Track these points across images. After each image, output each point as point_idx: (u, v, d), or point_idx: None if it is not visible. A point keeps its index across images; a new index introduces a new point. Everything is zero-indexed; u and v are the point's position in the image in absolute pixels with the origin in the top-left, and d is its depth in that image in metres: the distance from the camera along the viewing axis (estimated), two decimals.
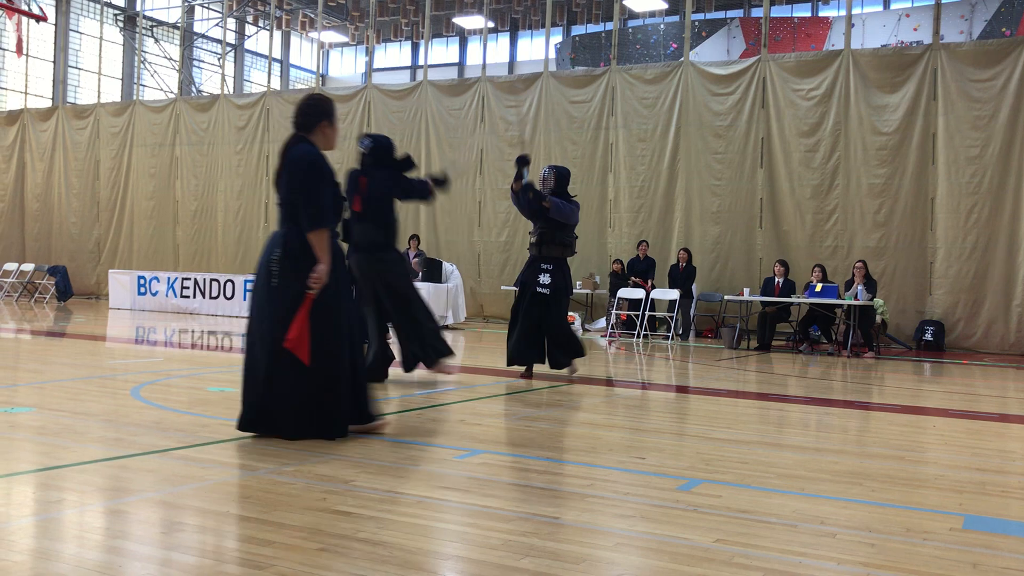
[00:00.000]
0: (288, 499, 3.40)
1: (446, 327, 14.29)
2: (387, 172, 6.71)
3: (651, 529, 3.13)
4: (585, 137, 15.61)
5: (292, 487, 3.56)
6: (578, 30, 32.30)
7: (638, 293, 13.53)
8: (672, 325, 13.33)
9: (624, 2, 23.87)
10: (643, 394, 7.38)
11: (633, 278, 13.96)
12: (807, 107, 13.80)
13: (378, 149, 6.74)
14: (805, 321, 12.12)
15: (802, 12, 30.03)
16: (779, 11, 29.07)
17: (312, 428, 4.45)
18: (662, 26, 28.51)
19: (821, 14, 29.58)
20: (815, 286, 11.74)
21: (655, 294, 13.50)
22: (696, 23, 26.57)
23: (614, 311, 13.77)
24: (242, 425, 4.51)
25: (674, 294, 13.37)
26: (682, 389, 7.83)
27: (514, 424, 5.28)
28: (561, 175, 7.90)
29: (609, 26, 28.98)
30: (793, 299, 12.01)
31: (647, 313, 13.36)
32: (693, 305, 13.87)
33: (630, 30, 28.28)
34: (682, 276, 13.75)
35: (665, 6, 26.25)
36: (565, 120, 15.79)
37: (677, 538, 3.02)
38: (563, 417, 5.72)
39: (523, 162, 7.65)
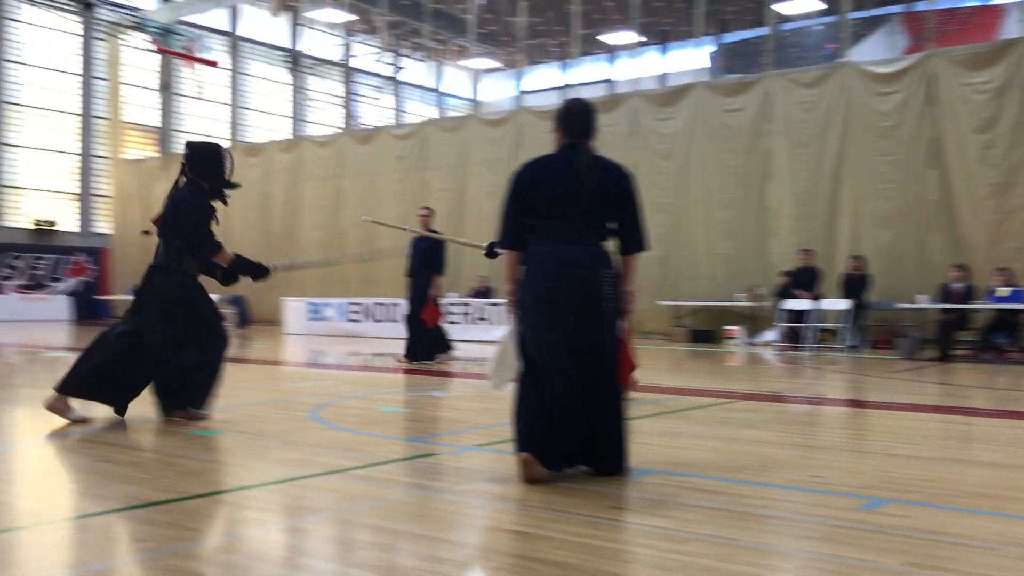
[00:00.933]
0: (463, 518, 3.46)
1: None
2: None
3: (836, 551, 2.99)
4: (741, 145, 15.27)
5: (467, 506, 3.62)
6: (729, 38, 31.67)
7: (805, 304, 13.06)
8: (843, 336, 12.78)
9: (775, 6, 23.25)
10: (815, 409, 7.10)
11: (794, 289, 13.51)
12: (981, 101, 13.01)
13: None
14: (989, 329, 11.35)
15: (971, 1, 28.33)
16: (945, 2, 27.55)
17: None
18: (818, 27, 27.57)
19: (992, 2, 27.82)
20: (996, 290, 10.99)
21: (824, 304, 12.99)
22: (854, 22, 25.54)
23: (781, 323, 13.34)
24: (561, 462, 4.02)
25: (845, 303, 12.81)
26: (857, 404, 7.49)
27: (682, 443, 5.19)
28: None
29: (761, 31, 28.29)
30: (978, 305, 11.27)
31: (816, 324, 12.86)
32: (866, 315, 13.24)
33: (784, 34, 27.50)
34: (855, 285, 13.14)
35: (821, 6, 25.39)
36: (720, 129, 15.50)
37: (865, 561, 2.87)
38: (732, 435, 5.58)
39: (492, 255, 7.94)
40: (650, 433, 5.51)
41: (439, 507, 3.60)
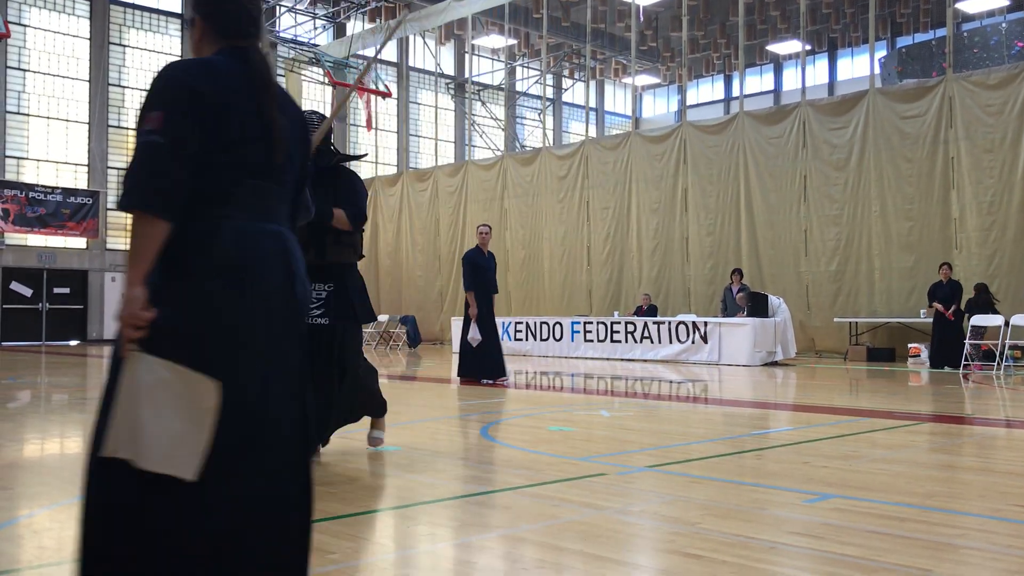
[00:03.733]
0: (637, 540, 3.42)
1: (774, 363, 13.81)
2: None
3: None
4: (921, 153, 14.50)
5: (640, 527, 3.58)
6: (904, 41, 30.17)
7: (995, 320, 12.21)
8: None
9: (958, 5, 21.98)
10: (1009, 432, 6.61)
11: (935, 303, 12.72)
12: None
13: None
14: None
15: None
16: None
17: None
18: (1003, 25, 25.84)
19: None
20: None
21: (1016, 320, 12.10)
22: None
23: (969, 341, 12.54)
24: None
25: None
26: None
27: (864, 466, 4.94)
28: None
29: (939, 33, 26.81)
30: None
31: (1007, 342, 12.00)
32: None
33: (965, 34, 25.94)
34: None
35: (1007, 2, 23.82)
36: (897, 137, 14.77)
37: None
38: (919, 459, 5.26)
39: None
40: (830, 456, 5.28)
41: (611, 528, 3.57)
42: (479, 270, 10.39)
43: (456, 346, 18.55)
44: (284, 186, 2.27)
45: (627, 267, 18.57)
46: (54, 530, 3.56)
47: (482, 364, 10.52)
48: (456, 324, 18.69)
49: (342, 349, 5.15)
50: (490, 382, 10.47)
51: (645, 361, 14.86)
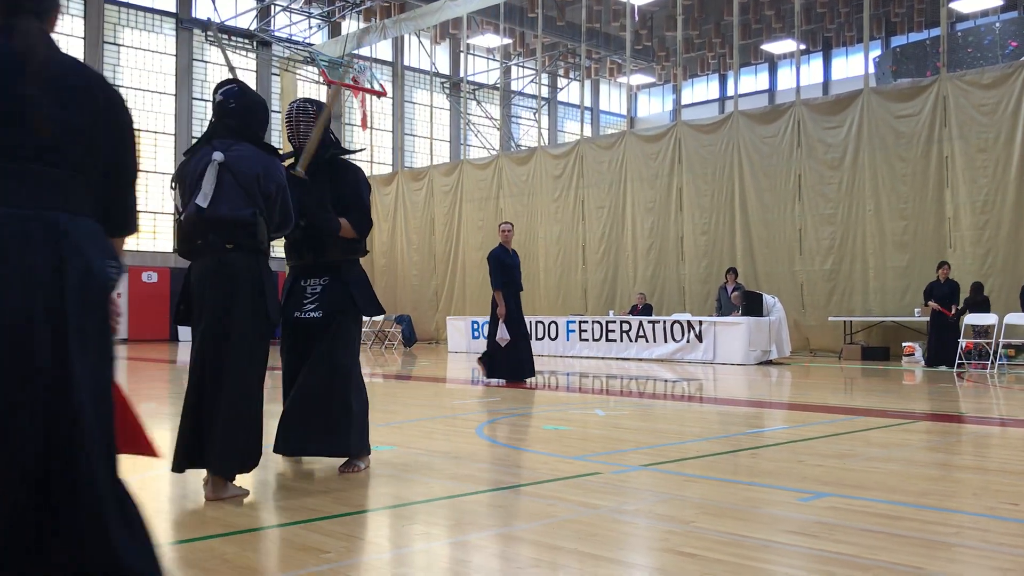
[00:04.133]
0: (632, 538, 3.42)
1: (769, 362, 13.84)
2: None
3: None
4: (915, 153, 14.53)
5: (635, 526, 3.58)
6: (898, 41, 30.23)
7: (988, 319, 12.24)
8: None
9: (951, 5, 22.03)
10: (1004, 431, 6.63)
11: (931, 302, 12.76)
12: None
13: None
14: None
15: None
16: None
17: None
18: (997, 25, 25.89)
19: None
20: None
21: (1009, 319, 12.14)
22: None
23: (975, 339, 12.59)
24: None
25: None
26: None
27: (858, 465, 4.95)
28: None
29: (934, 32, 26.85)
30: None
31: (1000, 340, 12.03)
32: None
33: (959, 33, 25.99)
34: None
35: (1000, 2, 23.88)
36: (891, 136, 14.80)
37: None
38: (913, 457, 5.27)
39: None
40: (825, 454, 5.29)
41: (607, 526, 3.57)
42: (506, 268, 10.18)
43: (452, 345, 18.63)
44: (33, 163, 2.00)
45: (622, 266, 18.57)
46: None
47: (511, 364, 10.30)
48: (452, 323, 18.71)
49: (333, 340, 4.74)
50: (519, 382, 10.25)
51: (640, 360, 14.87)
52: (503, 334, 10.11)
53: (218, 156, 4.05)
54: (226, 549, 3.27)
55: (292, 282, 4.93)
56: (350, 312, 4.86)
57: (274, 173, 4.16)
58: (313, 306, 4.78)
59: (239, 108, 4.21)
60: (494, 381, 10.42)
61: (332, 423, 4.66)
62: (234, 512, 3.87)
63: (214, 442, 4.01)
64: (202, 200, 4.03)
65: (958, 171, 14.11)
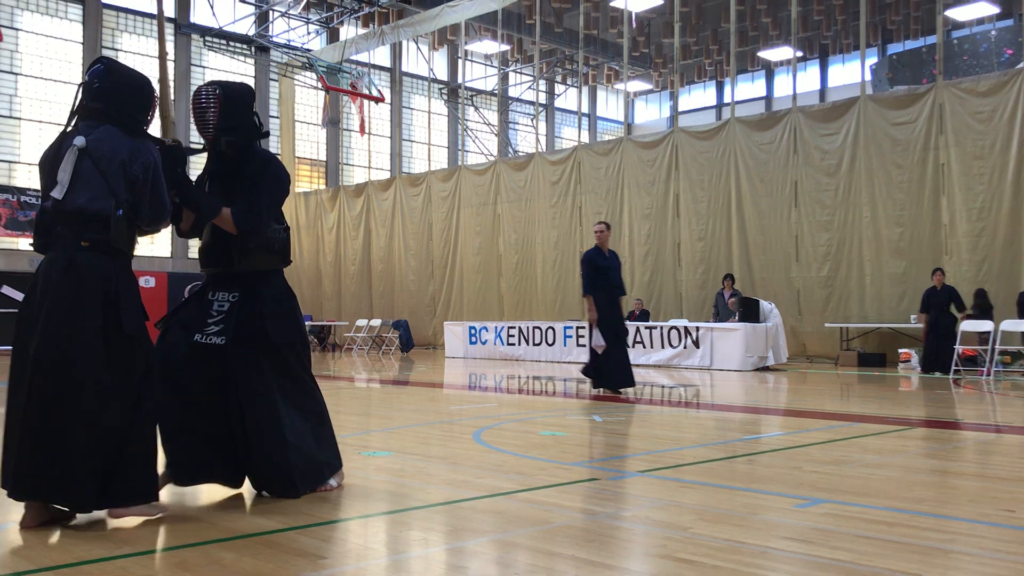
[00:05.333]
0: (629, 544, 3.43)
1: (766, 368, 13.85)
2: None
3: None
4: (911, 160, 14.58)
5: (632, 532, 3.59)
6: (894, 48, 30.34)
7: (985, 326, 12.27)
8: None
9: (947, 13, 22.12)
10: (999, 438, 6.64)
11: (917, 316, 12.79)
12: None
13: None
14: None
15: None
16: None
17: None
18: (993, 33, 26.00)
19: None
20: None
21: (1005, 326, 12.17)
22: None
23: (958, 346, 12.60)
24: None
25: None
26: None
27: (855, 471, 4.96)
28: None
29: (930, 40, 26.96)
30: None
31: (996, 347, 12.06)
32: None
33: (955, 41, 26.11)
34: None
35: (996, 10, 23.97)
36: (887, 143, 14.85)
37: None
38: (910, 464, 5.29)
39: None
40: (821, 461, 5.31)
41: (604, 532, 3.58)
42: (600, 271, 9.52)
43: (449, 351, 18.64)
44: None
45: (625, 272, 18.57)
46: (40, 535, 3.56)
47: (607, 372, 9.68)
48: (449, 329, 18.73)
49: (239, 386, 4.07)
50: (618, 392, 9.71)
51: (637, 366, 14.86)
52: (598, 340, 9.50)
53: (79, 141, 3.68)
54: (224, 555, 3.27)
55: (200, 292, 4.29)
56: (257, 341, 4.13)
57: (142, 154, 3.73)
58: (216, 329, 4.10)
59: (103, 88, 3.78)
60: (601, 391, 9.82)
61: (275, 463, 4.15)
62: (232, 517, 3.88)
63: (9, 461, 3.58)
64: (58, 192, 3.65)
65: (954, 178, 14.16)
